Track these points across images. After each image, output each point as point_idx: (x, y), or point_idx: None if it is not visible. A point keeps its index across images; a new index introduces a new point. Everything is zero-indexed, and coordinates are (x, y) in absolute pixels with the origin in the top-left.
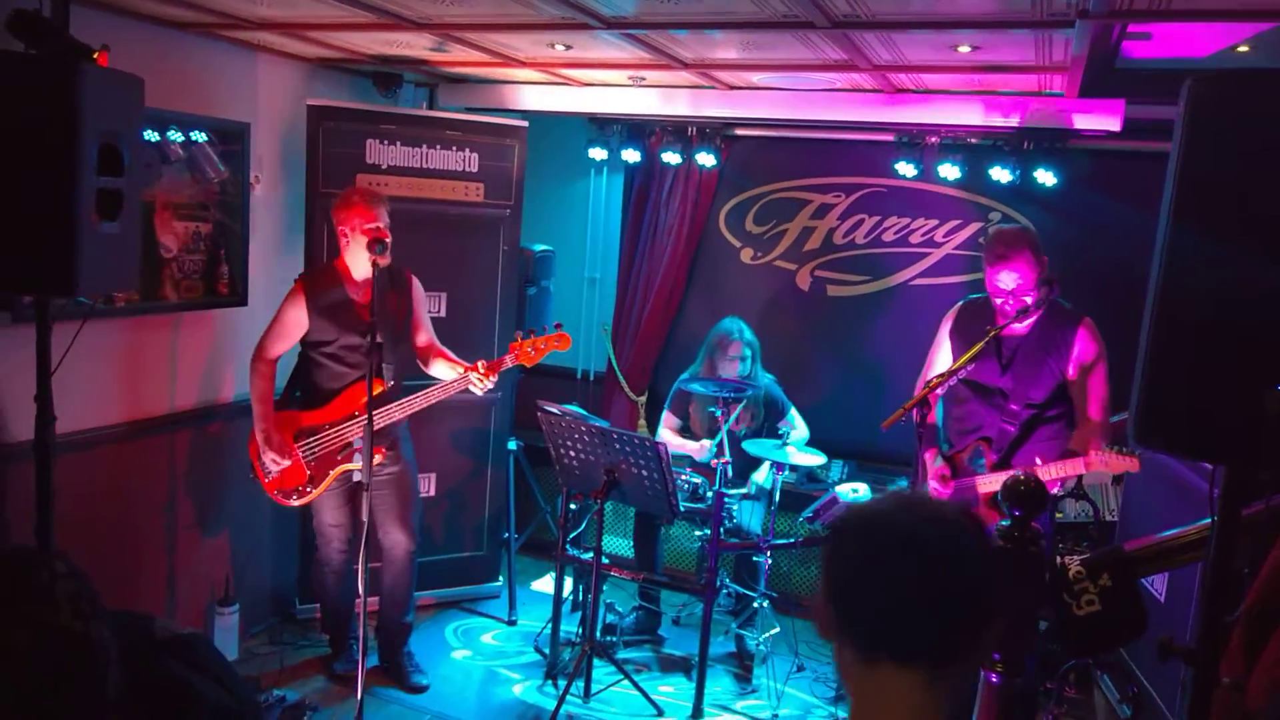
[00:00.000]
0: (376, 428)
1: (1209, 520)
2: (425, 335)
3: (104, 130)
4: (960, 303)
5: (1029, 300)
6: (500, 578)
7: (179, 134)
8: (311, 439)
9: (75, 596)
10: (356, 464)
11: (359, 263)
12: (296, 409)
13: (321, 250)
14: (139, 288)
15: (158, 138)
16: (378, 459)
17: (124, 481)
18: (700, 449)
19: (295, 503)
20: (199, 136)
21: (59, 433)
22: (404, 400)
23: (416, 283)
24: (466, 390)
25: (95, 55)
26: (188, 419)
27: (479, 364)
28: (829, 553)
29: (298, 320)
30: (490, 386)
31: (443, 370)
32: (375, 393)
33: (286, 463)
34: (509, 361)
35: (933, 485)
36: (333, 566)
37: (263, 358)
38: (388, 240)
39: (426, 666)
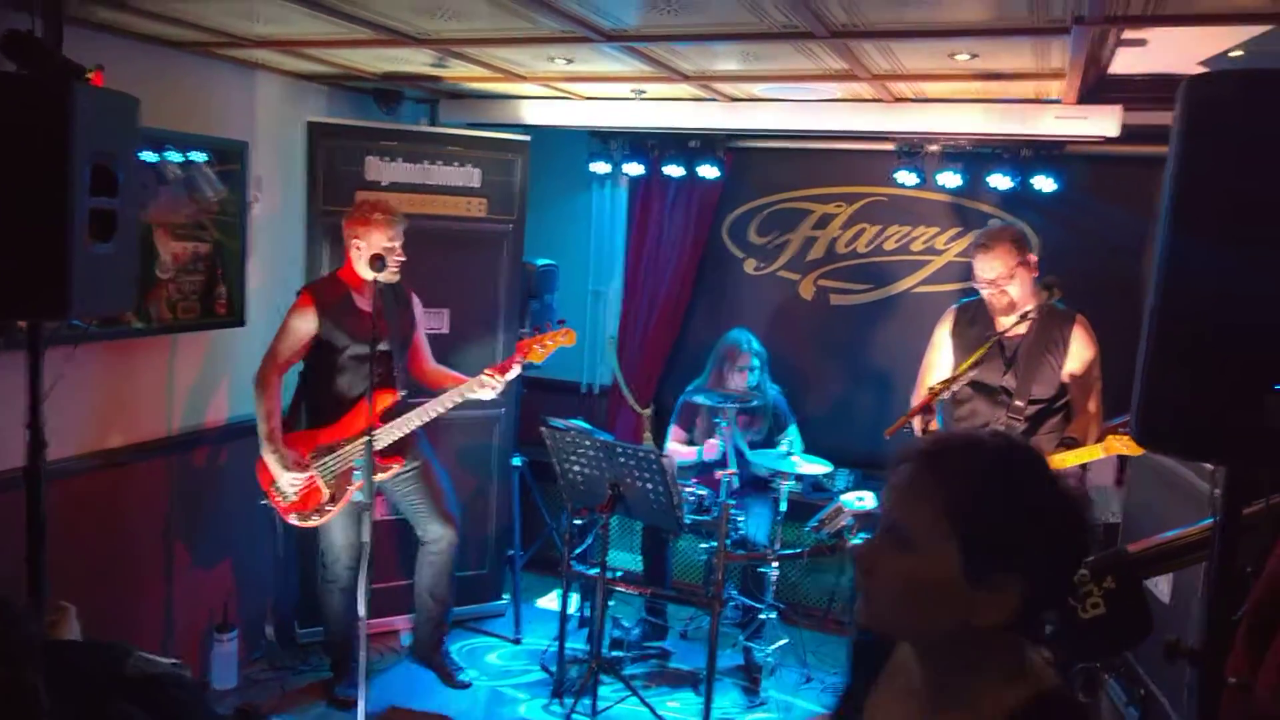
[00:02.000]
0: (393, 440)
1: (1211, 520)
2: (428, 357)
3: (97, 150)
4: (955, 306)
5: (1011, 292)
6: (505, 595)
7: (176, 154)
8: (328, 457)
9: (4, 641)
10: (378, 476)
11: (370, 273)
12: (308, 428)
13: (322, 268)
14: (134, 309)
15: (155, 158)
16: (396, 467)
17: (119, 507)
18: (710, 447)
19: (314, 523)
20: (196, 156)
21: (51, 458)
22: (419, 409)
23: (417, 301)
24: (478, 396)
25: (89, 75)
26: (185, 442)
27: (488, 369)
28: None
29: (307, 328)
30: (501, 387)
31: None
32: (388, 404)
33: (305, 485)
34: (518, 360)
35: None
36: (342, 584)
37: (273, 369)
38: (389, 261)
39: (432, 689)
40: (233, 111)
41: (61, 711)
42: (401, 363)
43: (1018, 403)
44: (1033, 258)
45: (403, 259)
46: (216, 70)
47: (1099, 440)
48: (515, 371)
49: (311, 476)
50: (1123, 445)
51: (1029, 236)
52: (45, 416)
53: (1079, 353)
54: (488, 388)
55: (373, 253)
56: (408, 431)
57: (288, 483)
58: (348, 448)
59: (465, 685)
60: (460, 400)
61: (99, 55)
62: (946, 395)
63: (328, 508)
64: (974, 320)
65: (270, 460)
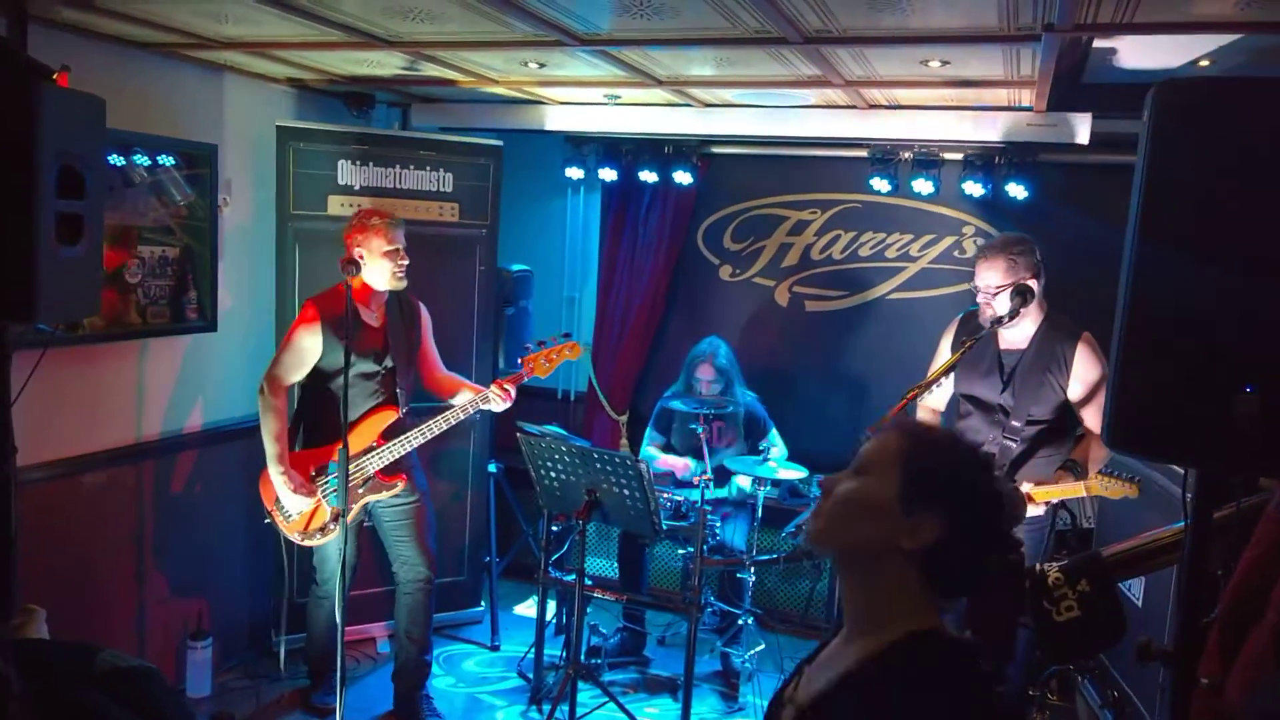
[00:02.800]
0: (397, 458)
1: (1182, 524)
2: (438, 365)
3: (64, 152)
4: (960, 315)
5: (997, 307)
6: (483, 603)
7: (144, 157)
8: (331, 476)
9: None
10: (380, 494)
11: (381, 281)
12: (306, 447)
13: (293, 274)
14: (102, 313)
15: (122, 161)
16: (400, 485)
17: (90, 514)
18: (683, 467)
19: (317, 542)
20: (165, 159)
21: (20, 465)
22: (423, 425)
23: (425, 311)
24: (490, 409)
25: (55, 76)
26: (157, 448)
27: (499, 381)
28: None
29: (313, 347)
30: (508, 404)
31: (465, 397)
32: (391, 421)
33: (312, 505)
34: (526, 374)
35: None
36: (334, 599)
37: (277, 390)
38: (393, 265)
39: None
40: (201, 114)
41: (31, 700)
42: (406, 380)
43: (1014, 422)
44: (1033, 283)
45: (406, 262)
46: (184, 72)
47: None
48: (523, 380)
49: (317, 496)
50: (1102, 487)
51: (1035, 260)
52: (13, 422)
53: (1082, 372)
54: (497, 401)
55: (384, 261)
56: (411, 449)
57: (296, 506)
58: (351, 466)
59: None
60: (463, 418)
61: (64, 56)
62: (939, 403)
63: (331, 526)
64: (974, 329)
65: (279, 483)
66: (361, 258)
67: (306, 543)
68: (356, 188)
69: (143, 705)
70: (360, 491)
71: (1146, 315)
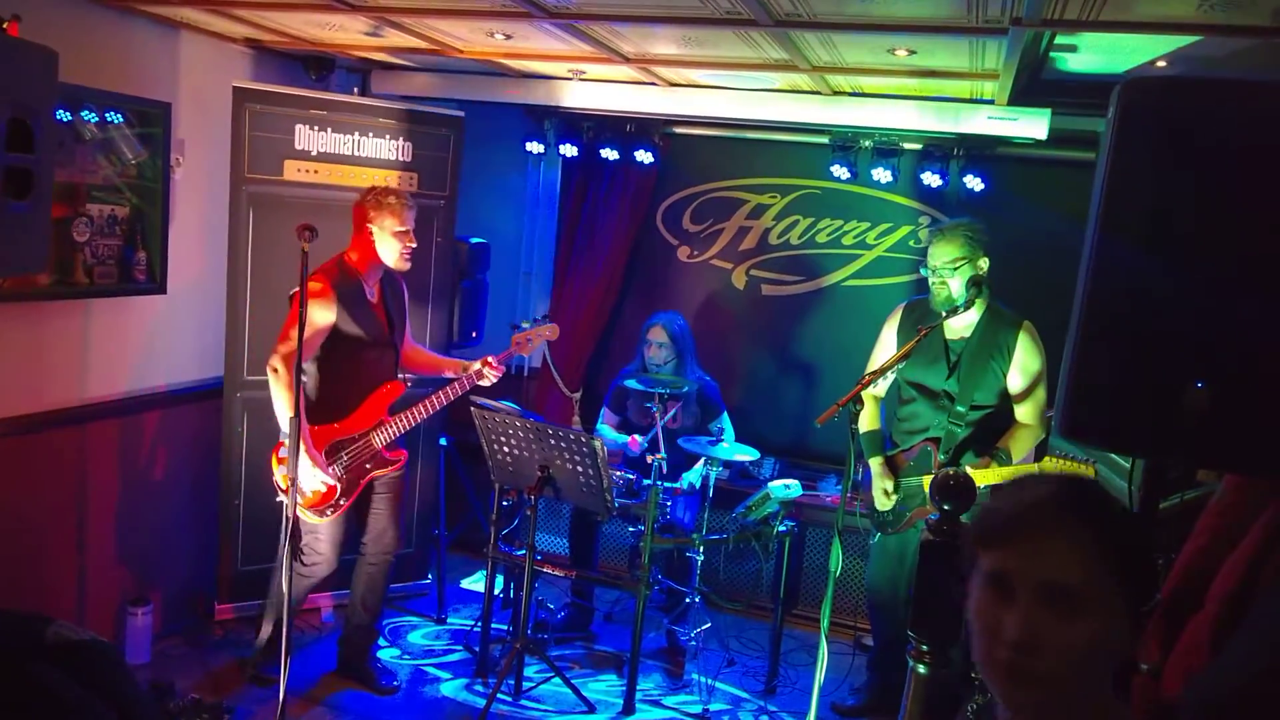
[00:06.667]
0: (399, 434)
1: None
2: (412, 339)
3: (13, 103)
4: (903, 304)
5: (951, 285)
6: (429, 575)
7: (93, 113)
8: (343, 452)
9: None
10: (384, 470)
11: (390, 258)
12: (321, 423)
13: (247, 238)
14: (48, 271)
15: (70, 117)
16: (402, 462)
17: (29, 476)
18: (633, 443)
19: (328, 519)
20: (116, 116)
21: None
22: (426, 400)
23: (404, 286)
24: (483, 384)
25: (4, 24)
26: (100, 411)
27: (489, 358)
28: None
29: (326, 319)
30: (498, 378)
31: (439, 372)
32: (396, 396)
33: (329, 483)
34: (513, 352)
35: (878, 498)
36: (316, 579)
37: (291, 362)
38: (401, 247)
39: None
40: (155, 72)
41: None
42: (399, 354)
43: (959, 408)
44: (983, 262)
45: (414, 245)
46: (139, 28)
47: (1036, 459)
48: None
49: (333, 473)
50: (1056, 470)
51: (985, 243)
52: None
53: (1022, 361)
54: (490, 376)
55: (394, 241)
56: (415, 423)
57: (316, 484)
58: (359, 442)
59: (393, 690)
60: (461, 393)
61: (15, 5)
62: (880, 389)
63: (340, 502)
64: (920, 319)
65: (305, 461)
66: (372, 233)
67: (319, 520)
68: (314, 153)
69: (96, 680)
70: (368, 468)
71: (1103, 308)
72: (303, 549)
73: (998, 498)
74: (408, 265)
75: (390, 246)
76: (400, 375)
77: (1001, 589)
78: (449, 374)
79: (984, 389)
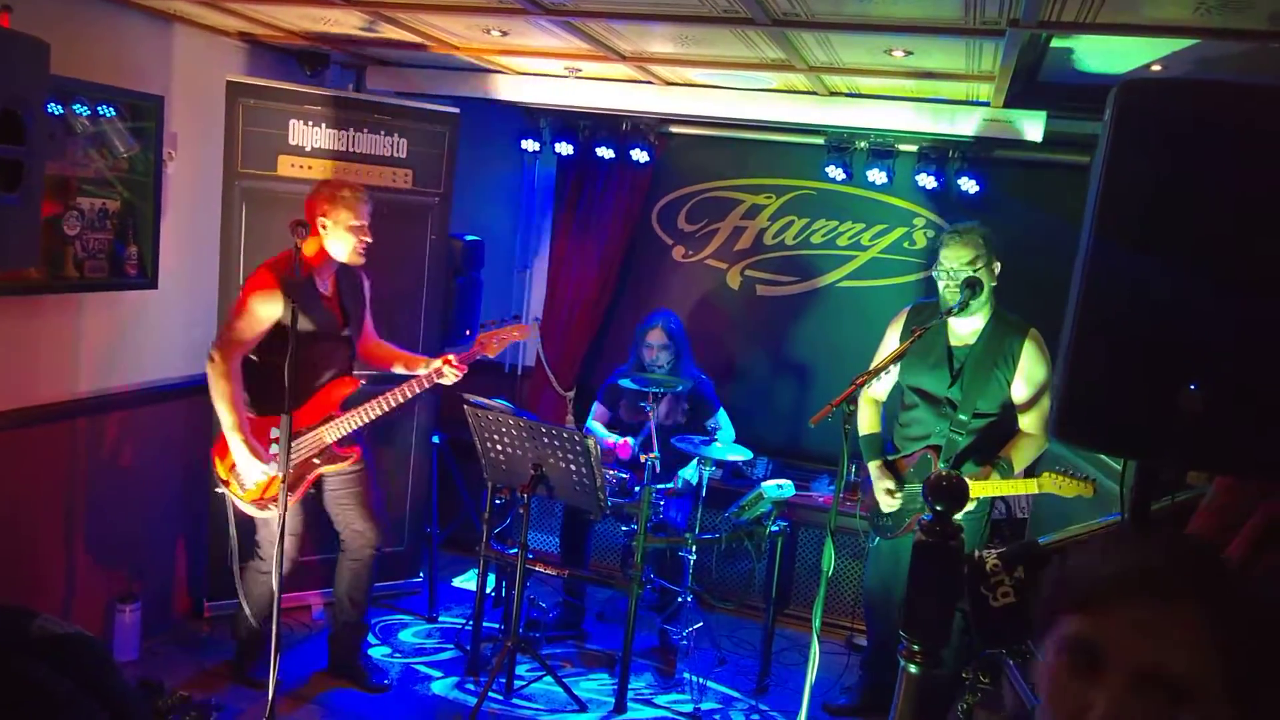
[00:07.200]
0: (352, 430)
1: (1116, 516)
2: (373, 334)
3: (4, 95)
4: (909, 306)
5: (958, 291)
6: (421, 573)
7: (85, 106)
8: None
9: None
10: (333, 467)
11: (342, 253)
12: (266, 415)
13: (239, 234)
14: (39, 265)
15: (62, 110)
16: (354, 458)
17: (17, 471)
18: (623, 446)
19: (270, 513)
20: (107, 110)
21: None
22: (380, 398)
23: (366, 281)
24: (443, 382)
25: None
26: (90, 406)
27: (450, 356)
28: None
29: (271, 313)
30: (459, 378)
31: (402, 368)
32: (349, 392)
33: (269, 475)
34: (478, 353)
35: (883, 499)
36: (282, 572)
37: (234, 353)
38: (356, 242)
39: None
40: (148, 65)
41: None
42: (355, 348)
43: (961, 416)
44: (996, 266)
45: (369, 240)
46: (131, 20)
47: (1034, 473)
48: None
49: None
50: (1055, 485)
51: (999, 247)
52: None
53: (1027, 369)
54: (451, 375)
55: (348, 235)
56: (368, 421)
57: (254, 475)
58: (307, 436)
59: (384, 688)
60: (419, 391)
61: None
62: (879, 392)
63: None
64: (926, 322)
65: (240, 453)
66: (324, 227)
67: (263, 514)
68: (308, 149)
69: (83, 675)
70: (316, 462)
71: (1098, 310)
72: (257, 543)
73: (1092, 554)
74: (362, 260)
75: (344, 242)
76: (359, 371)
77: (1088, 662)
78: (410, 370)
79: (987, 398)
